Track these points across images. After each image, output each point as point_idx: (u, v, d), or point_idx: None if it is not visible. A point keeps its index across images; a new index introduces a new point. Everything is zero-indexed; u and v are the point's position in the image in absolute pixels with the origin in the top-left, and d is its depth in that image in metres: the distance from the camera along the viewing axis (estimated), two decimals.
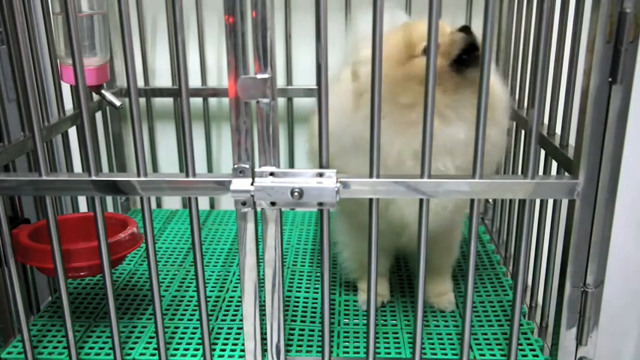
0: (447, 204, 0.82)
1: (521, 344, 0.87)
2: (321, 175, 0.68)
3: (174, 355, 0.85)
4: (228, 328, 0.92)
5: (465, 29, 0.76)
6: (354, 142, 0.78)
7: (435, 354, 0.86)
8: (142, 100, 1.32)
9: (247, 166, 0.69)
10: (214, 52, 1.32)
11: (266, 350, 0.78)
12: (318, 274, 1.08)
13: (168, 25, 1.28)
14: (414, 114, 0.75)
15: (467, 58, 0.76)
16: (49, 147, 1.04)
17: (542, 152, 0.89)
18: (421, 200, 0.71)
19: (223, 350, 0.86)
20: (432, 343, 0.88)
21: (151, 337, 0.89)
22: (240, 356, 0.85)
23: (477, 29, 0.74)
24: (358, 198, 0.70)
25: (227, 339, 0.89)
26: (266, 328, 0.76)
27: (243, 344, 0.81)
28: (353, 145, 0.79)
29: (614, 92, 0.66)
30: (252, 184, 0.69)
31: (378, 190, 0.70)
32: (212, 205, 1.43)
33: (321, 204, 0.69)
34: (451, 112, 0.77)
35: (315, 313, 0.96)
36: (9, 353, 0.86)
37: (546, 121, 0.89)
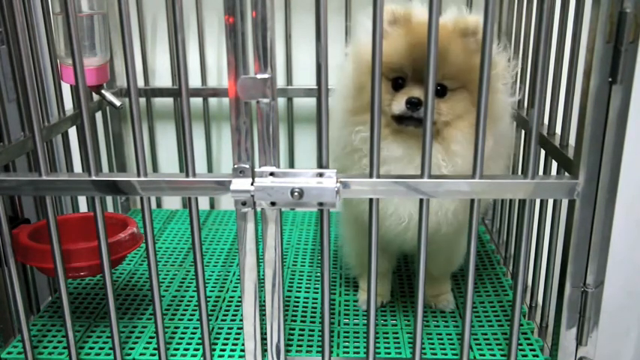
0: (460, 210, 0.82)
1: (521, 344, 0.87)
2: (321, 175, 0.68)
3: (175, 355, 0.85)
4: (228, 328, 0.92)
5: (411, 103, 0.76)
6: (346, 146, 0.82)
7: (435, 354, 0.86)
8: (142, 100, 1.32)
9: (247, 166, 0.69)
10: (214, 52, 1.32)
11: (266, 350, 0.78)
12: (318, 274, 1.08)
13: (168, 25, 1.28)
14: (357, 101, 0.80)
15: (405, 118, 0.78)
16: (49, 147, 1.04)
17: (542, 152, 0.89)
18: (421, 200, 0.71)
19: (223, 350, 0.86)
20: (432, 343, 0.88)
21: (151, 337, 0.89)
22: (240, 356, 0.85)
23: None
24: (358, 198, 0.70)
25: (227, 339, 0.89)
26: (266, 328, 0.76)
27: (243, 344, 0.81)
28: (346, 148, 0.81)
29: (614, 92, 0.66)
30: (252, 184, 0.69)
31: (378, 190, 0.70)
32: (212, 205, 1.43)
33: (321, 204, 0.69)
34: (390, 136, 0.80)
35: (315, 313, 0.96)
36: (9, 353, 0.86)
37: (546, 121, 0.89)
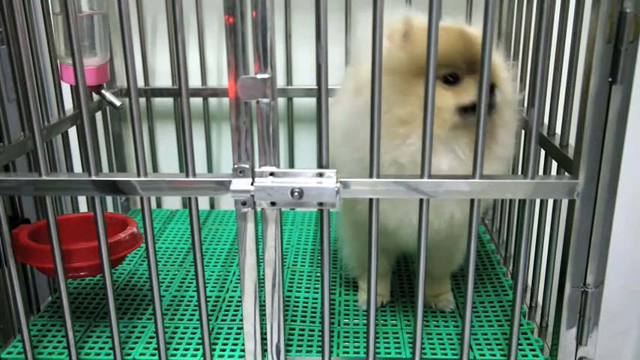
0: (456, 211, 0.82)
1: (521, 344, 0.87)
2: (321, 175, 0.68)
3: (174, 355, 0.85)
4: (228, 328, 0.92)
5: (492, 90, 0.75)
6: (350, 132, 0.80)
7: (435, 354, 0.86)
8: (142, 100, 1.32)
9: (247, 166, 0.69)
10: (214, 52, 1.32)
11: (266, 350, 0.78)
12: (318, 274, 1.08)
13: (168, 25, 1.28)
14: (404, 129, 0.76)
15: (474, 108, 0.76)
16: (49, 147, 1.04)
17: (542, 152, 0.89)
18: (421, 200, 0.71)
19: (223, 350, 0.86)
20: (432, 343, 0.88)
21: (151, 337, 0.89)
22: (240, 356, 0.85)
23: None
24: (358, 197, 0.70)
25: (227, 339, 0.89)
26: (266, 328, 0.76)
27: (243, 344, 0.81)
28: (349, 136, 0.80)
29: (614, 92, 0.66)
30: (252, 184, 0.69)
31: (378, 190, 0.70)
32: (212, 205, 1.43)
33: (321, 204, 0.69)
34: (440, 145, 0.77)
35: (315, 313, 0.96)
36: (9, 353, 0.86)
37: (546, 121, 0.89)
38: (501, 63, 0.82)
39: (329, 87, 0.67)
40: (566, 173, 0.78)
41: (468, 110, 0.77)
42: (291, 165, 1.36)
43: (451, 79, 0.77)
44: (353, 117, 0.80)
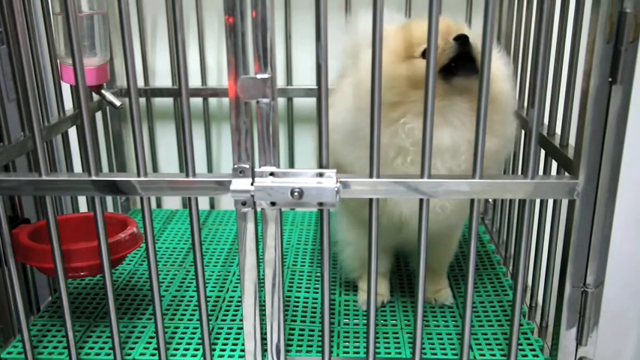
0: (447, 205, 0.82)
1: (521, 344, 0.87)
2: (321, 175, 0.68)
3: (174, 355, 0.85)
4: (228, 328, 0.92)
5: (460, 38, 0.76)
6: (352, 131, 0.80)
7: (435, 354, 0.86)
8: (142, 100, 1.32)
9: (247, 166, 0.69)
10: (214, 52, 1.32)
11: (266, 350, 0.78)
12: (318, 274, 1.08)
13: (168, 25, 1.28)
14: (396, 113, 0.77)
15: (454, 66, 0.76)
16: (49, 147, 1.04)
17: (542, 152, 0.89)
18: (421, 200, 0.71)
19: (223, 350, 0.86)
20: (432, 343, 0.88)
21: (151, 337, 0.89)
22: (240, 356, 0.85)
23: (477, 30, 0.74)
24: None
25: (227, 339, 0.89)
26: (266, 328, 0.76)
27: (243, 344, 0.81)
28: (352, 136, 0.80)
29: (614, 92, 0.66)
30: (252, 184, 0.69)
31: (378, 190, 0.70)
32: (212, 205, 1.43)
33: (321, 204, 0.69)
34: (438, 117, 0.77)
35: (315, 313, 0.96)
36: (9, 353, 0.86)
37: (546, 121, 0.89)
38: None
39: (329, 87, 0.67)
40: (566, 173, 0.77)
41: (450, 71, 0.76)
42: (291, 165, 1.36)
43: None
44: (353, 113, 0.81)
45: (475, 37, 0.75)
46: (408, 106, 0.77)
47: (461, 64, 0.76)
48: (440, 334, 0.91)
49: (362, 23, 0.87)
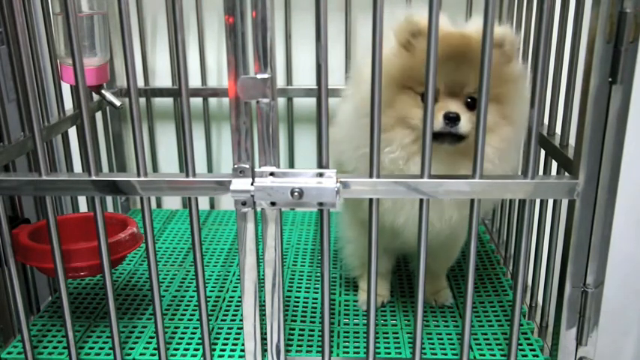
0: (451, 216, 0.82)
1: (521, 344, 0.87)
2: (321, 175, 0.68)
3: (174, 355, 0.85)
4: (228, 328, 0.92)
5: (449, 118, 0.74)
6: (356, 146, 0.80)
7: (435, 354, 0.86)
8: (142, 100, 1.32)
9: (247, 166, 0.69)
10: (214, 52, 1.32)
11: (266, 350, 0.78)
12: (318, 274, 1.08)
13: (168, 25, 1.28)
14: (384, 136, 0.75)
15: (441, 135, 0.75)
16: (49, 147, 1.04)
17: (542, 152, 0.89)
18: (421, 200, 0.71)
19: (223, 350, 0.86)
20: (432, 343, 0.88)
21: (151, 337, 0.89)
22: (240, 356, 0.85)
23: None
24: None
25: (227, 339, 0.89)
26: (266, 328, 0.76)
27: (243, 344, 0.81)
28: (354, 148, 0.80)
29: (614, 92, 0.66)
30: (252, 184, 0.69)
31: (378, 190, 0.70)
32: (212, 205, 1.43)
33: (321, 204, 0.69)
34: (415, 155, 0.77)
35: (315, 313, 0.96)
36: (9, 353, 0.86)
37: (546, 121, 0.89)
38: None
39: (329, 87, 0.67)
40: (566, 173, 0.78)
41: (438, 136, 0.75)
42: (291, 165, 1.36)
43: None
44: (354, 114, 0.81)
45: (468, 120, 0.74)
46: (394, 138, 0.77)
47: (447, 134, 0.75)
48: (440, 334, 0.91)
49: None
